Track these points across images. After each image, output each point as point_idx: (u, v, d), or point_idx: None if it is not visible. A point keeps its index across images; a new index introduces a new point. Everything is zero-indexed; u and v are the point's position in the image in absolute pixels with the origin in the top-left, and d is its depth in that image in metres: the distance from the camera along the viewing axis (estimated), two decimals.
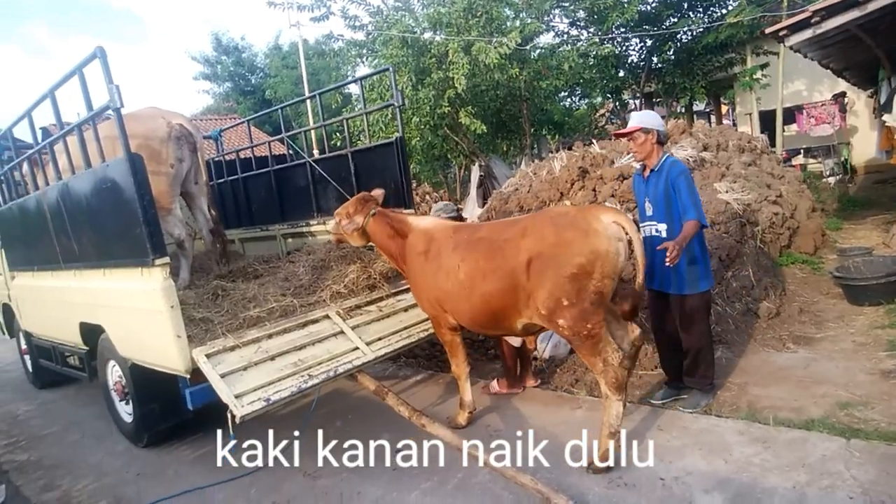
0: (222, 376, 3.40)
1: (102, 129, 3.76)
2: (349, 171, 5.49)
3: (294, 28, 14.80)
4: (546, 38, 13.16)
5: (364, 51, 11.41)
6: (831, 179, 12.46)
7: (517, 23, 10.04)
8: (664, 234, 3.76)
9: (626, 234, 3.22)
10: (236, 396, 3.30)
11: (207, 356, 3.48)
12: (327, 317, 4.13)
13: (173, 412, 4.36)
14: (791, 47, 4.23)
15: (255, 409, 3.30)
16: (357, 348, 4.00)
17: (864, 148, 13.69)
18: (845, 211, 10.31)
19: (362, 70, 13.17)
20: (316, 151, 11.15)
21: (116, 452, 4.73)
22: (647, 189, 3.89)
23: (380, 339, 4.17)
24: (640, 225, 3.91)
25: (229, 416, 3.27)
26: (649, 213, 3.89)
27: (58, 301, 5.00)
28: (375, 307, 4.43)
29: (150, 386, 4.25)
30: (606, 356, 3.25)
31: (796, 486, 2.93)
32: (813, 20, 3.89)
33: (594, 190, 6.76)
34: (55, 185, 4.35)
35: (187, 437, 4.69)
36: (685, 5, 13.61)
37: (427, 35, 9.44)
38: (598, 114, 16.57)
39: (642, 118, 3.87)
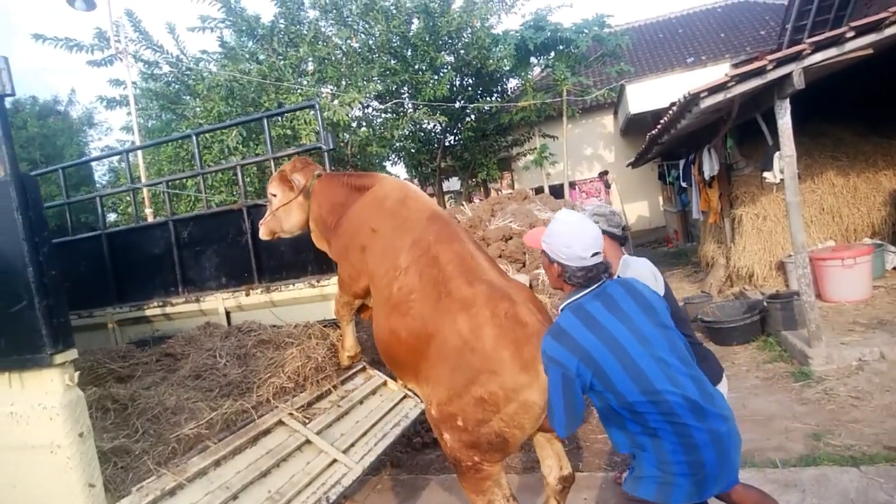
0: None
1: None
2: (239, 231, 4.30)
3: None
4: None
5: (160, 102, 9.75)
6: None
7: (343, 82, 9.65)
8: None
9: None
10: None
11: None
12: (281, 423, 2.97)
13: None
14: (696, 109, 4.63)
15: None
16: (335, 461, 2.92)
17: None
18: None
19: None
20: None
21: None
22: None
23: (353, 444, 3.13)
24: None
25: None
26: None
27: None
28: (328, 402, 3.37)
29: None
30: (493, 499, 2.43)
31: None
32: (729, 84, 4.31)
33: None
34: None
35: None
36: (479, 90, 14.80)
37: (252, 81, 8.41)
38: None
39: (549, 230, 2.01)
